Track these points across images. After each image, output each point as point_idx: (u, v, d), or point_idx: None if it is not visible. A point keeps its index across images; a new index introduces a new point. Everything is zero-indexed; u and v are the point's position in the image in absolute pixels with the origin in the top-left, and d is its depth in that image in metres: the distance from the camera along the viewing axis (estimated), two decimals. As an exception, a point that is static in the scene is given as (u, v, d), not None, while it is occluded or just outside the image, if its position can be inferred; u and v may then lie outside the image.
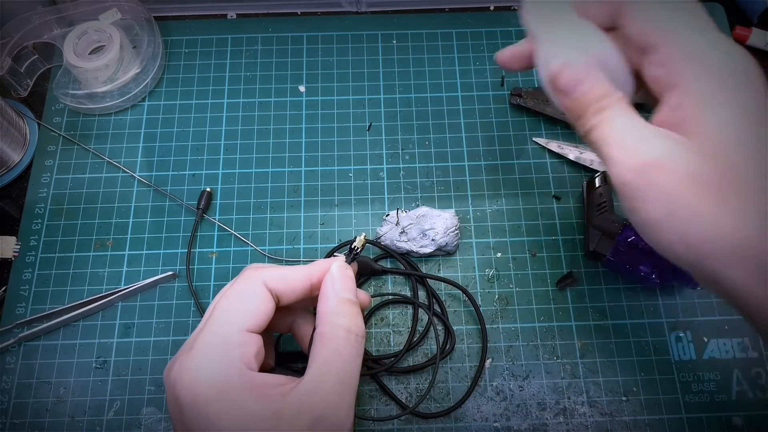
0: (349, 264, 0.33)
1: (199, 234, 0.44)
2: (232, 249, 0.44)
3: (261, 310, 0.30)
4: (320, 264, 0.32)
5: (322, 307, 0.31)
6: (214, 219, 0.44)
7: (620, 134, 0.27)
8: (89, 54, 0.48)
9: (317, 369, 0.28)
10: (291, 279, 0.31)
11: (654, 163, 0.26)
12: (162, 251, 0.44)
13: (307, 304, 0.34)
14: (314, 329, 0.30)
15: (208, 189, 0.45)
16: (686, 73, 0.26)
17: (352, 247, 0.34)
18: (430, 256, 0.43)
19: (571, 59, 0.29)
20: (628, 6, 0.28)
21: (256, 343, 0.29)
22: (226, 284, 0.32)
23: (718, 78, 0.26)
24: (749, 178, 0.25)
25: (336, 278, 0.31)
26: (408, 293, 0.42)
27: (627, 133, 0.27)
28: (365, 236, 0.35)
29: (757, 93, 0.26)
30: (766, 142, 0.25)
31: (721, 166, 0.25)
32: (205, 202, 0.44)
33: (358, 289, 0.33)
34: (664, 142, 0.26)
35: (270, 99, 0.49)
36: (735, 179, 0.25)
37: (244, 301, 0.30)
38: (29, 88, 0.49)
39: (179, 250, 0.44)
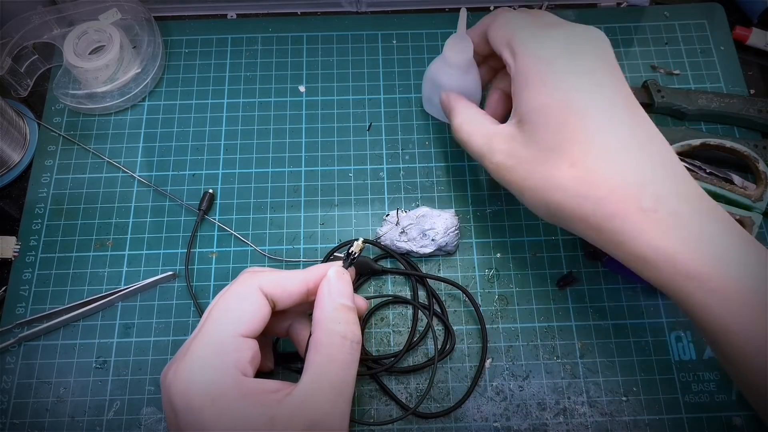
0: (347, 269, 0.33)
1: (199, 234, 0.44)
2: (232, 249, 0.44)
3: (256, 315, 0.30)
4: (317, 269, 0.32)
5: (317, 312, 0.30)
6: (214, 219, 0.44)
7: (478, 140, 0.35)
8: (89, 54, 0.48)
9: (311, 376, 0.28)
10: (287, 284, 0.31)
11: (496, 161, 0.33)
12: (162, 251, 0.44)
13: (305, 308, 0.34)
14: (310, 335, 0.30)
15: (210, 191, 0.45)
16: (514, 66, 0.33)
17: (350, 252, 0.34)
18: (430, 256, 0.43)
19: (449, 91, 0.39)
20: (487, 33, 0.36)
21: (251, 348, 0.29)
22: (226, 284, 0.32)
23: (534, 64, 0.31)
24: (556, 135, 0.30)
25: (333, 283, 0.31)
26: (408, 293, 0.42)
27: (479, 135, 0.35)
28: (363, 241, 0.35)
29: (581, 65, 0.31)
30: (584, 94, 0.30)
31: (529, 135, 0.31)
32: (207, 204, 0.44)
33: (355, 294, 0.33)
34: (499, 138, 0.34)
35: (270, 99, 0.49)
36: (540, 140, 0.31)
37: (240, 306, 0.30)
38: (29, 88, 0.49)
39: (179, 250, 0.44)
